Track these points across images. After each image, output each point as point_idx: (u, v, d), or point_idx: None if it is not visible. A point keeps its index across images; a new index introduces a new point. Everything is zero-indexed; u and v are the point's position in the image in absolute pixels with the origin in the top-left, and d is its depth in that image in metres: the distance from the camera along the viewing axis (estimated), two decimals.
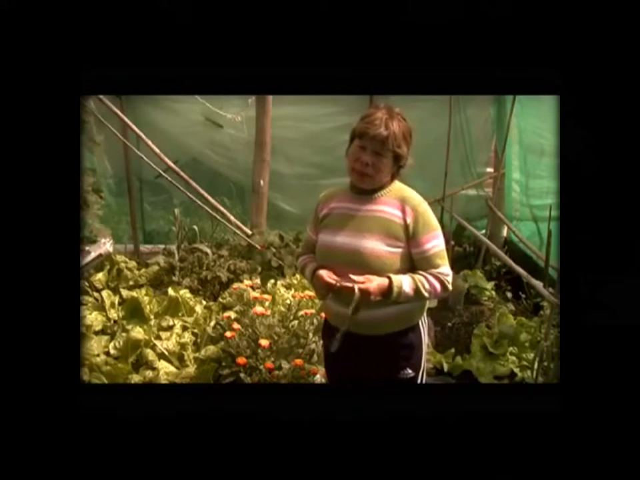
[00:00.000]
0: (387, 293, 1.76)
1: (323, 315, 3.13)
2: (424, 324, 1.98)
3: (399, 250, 1.81)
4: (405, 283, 1.77)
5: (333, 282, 1.79)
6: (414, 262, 1.84)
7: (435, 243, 1.83)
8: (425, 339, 1.99)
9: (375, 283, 1.75)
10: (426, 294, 1.80)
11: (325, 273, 1.83)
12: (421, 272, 1.82)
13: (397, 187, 1.90)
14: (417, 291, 1.78)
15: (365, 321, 1.82)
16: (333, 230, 1.89)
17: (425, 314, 1.99)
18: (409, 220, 1.81)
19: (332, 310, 1.91)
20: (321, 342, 3.02)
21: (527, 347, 3.42)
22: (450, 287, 1.85)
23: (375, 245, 1.80)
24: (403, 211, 1.83)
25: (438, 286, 1.81)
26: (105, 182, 4.72)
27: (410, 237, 1.82)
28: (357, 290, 1.72)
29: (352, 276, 1.76)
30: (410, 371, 1.91)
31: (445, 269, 1.84)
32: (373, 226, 1.83)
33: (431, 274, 1.81)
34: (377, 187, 1.87)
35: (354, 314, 1.76)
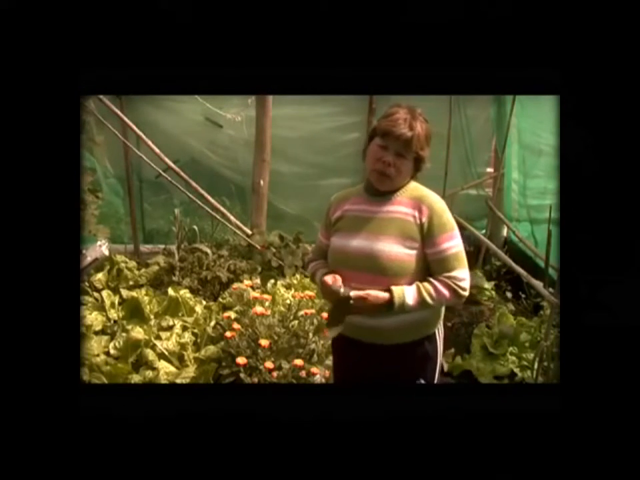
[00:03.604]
0: (388, 306, 1.69)
1: (324, 315, 3.14)
2: (440, 332, 1.89)
3: (415, 252, 1.73)
4: (408, 295, 1.69)
5: (336, 288, 1.72)
6: (428, 264, 1.75)
7: (451, 244, 1.74)
8: (441, 348, 1.90)
9: (371, 297, 1.69)
10: (433, 303, 1.71)
11: (329, 278, 1.76)
12: (431, 279, 1.73)
13: (413, 186, 1.82)
14: (422, 302, 1.70)
15: (377, 329, 1.77)
16: (347, 233, 1.80)
17: (441, 321, 1.90)
18: (424, 219, 1.73)
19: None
20: (321, 342, 3.04)
21: (527, 347, 3.42)
22: (464, 292, 1.73)
23: (391, 248, 1.71)
24: (419, 210, 1.74)
25: (447, 293, 1.71)
26: (105, 182, 4.72)
27: (424, 236, 1.73)
28: (342, 291, 1.71)
29: (352, 293, 1.70)
30: (423, 382, 1.84)
31: (460, 273, 1.73)
32: (388, 227, 1.74)
33: (440, 281, 1.72)
34: (395, 189, 1.79)
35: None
